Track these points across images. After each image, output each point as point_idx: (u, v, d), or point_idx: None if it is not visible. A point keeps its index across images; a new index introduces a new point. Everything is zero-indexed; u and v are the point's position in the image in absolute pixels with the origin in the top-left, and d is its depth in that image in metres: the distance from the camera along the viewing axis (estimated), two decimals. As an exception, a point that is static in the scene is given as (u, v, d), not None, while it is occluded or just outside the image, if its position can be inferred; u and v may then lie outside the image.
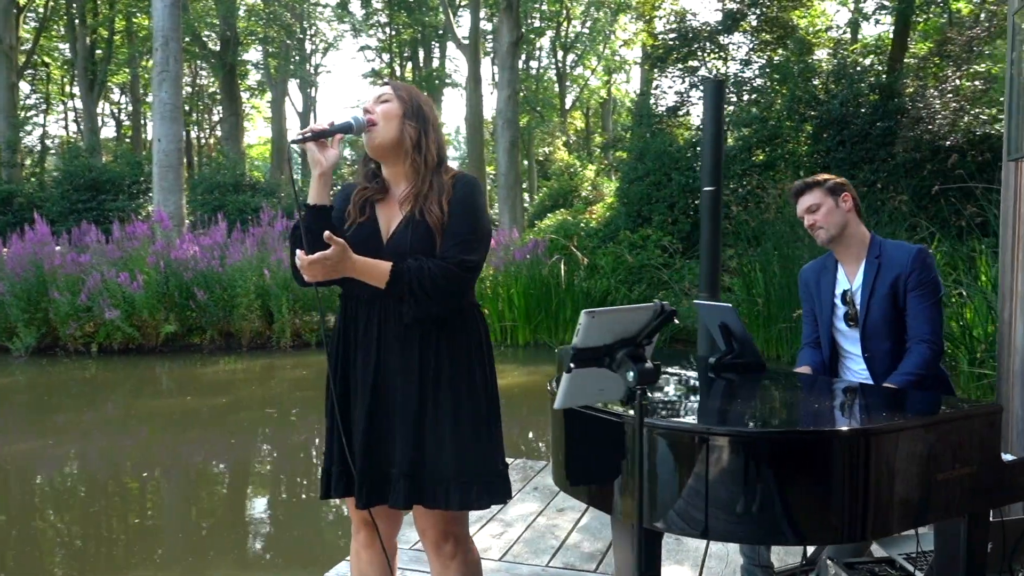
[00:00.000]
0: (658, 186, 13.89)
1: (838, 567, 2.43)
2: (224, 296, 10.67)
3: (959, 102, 13.23)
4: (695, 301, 2.63)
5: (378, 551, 2.22)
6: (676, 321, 1.75)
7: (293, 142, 2.00)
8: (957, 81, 13.95)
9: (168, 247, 10.95)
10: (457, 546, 2.14)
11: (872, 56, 16.08)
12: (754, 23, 16.28)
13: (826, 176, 2.86)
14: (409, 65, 30.46)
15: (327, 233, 1.91)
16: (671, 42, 16.67)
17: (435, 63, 30.03)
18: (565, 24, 29.03)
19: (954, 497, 1.94)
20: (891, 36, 16.01)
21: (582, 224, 15.12)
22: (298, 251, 1.94)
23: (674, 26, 16.90)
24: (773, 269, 10.00)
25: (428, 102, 2.18)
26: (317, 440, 6.76)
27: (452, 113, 77.60)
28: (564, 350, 1.70)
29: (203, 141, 33.24)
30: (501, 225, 15.73)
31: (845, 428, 1.89)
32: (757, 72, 15.19)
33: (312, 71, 27.75)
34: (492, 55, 27.99)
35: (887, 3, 15.23)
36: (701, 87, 16.17)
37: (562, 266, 11.16)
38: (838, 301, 2.83)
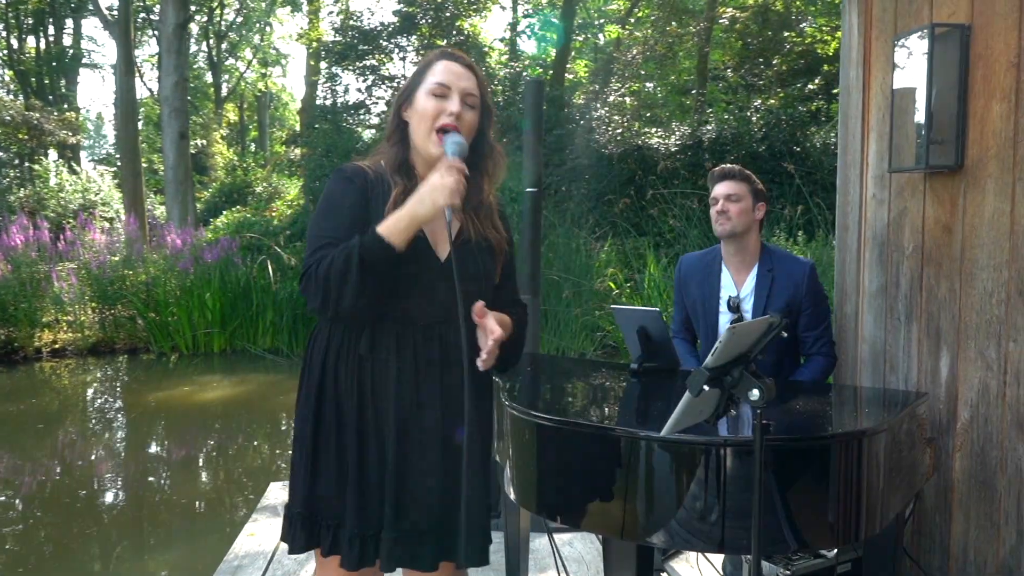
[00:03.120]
0: (348, 183, 13.63)
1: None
2: None
3: (620, 116, 14.74)
4: (613, 307, 2.56)
5: None
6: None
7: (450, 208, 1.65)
8: (612, 96, 15.54)
9: None
10: None
11: (539, 69, 17.30)
12: (427, 27, 16.63)
13: (755, 177, 2.87)
14: (31, 40, 26.44)
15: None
16: (350, 39, 16.47)
17: (67, 40, 26.46)
18: (219, 11, 27.28)
19: (909, 482, 2.13)
20: (553, 53, 17.34)
21: (264, 223, 14.35)
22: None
23: (353, 24, 16.73)
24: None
25: None
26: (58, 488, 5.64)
27: (87, 97, 68.41)
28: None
29: None
30: (172, 221, 14.32)
31: (845, 431, 1.97)
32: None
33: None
34: (136, 36, 25.39)
35: (554, 20, 16.51)
36: (383, 86, 16.24)
37: (270, 267, 10.45)
38: (723, 306, 2.83)
